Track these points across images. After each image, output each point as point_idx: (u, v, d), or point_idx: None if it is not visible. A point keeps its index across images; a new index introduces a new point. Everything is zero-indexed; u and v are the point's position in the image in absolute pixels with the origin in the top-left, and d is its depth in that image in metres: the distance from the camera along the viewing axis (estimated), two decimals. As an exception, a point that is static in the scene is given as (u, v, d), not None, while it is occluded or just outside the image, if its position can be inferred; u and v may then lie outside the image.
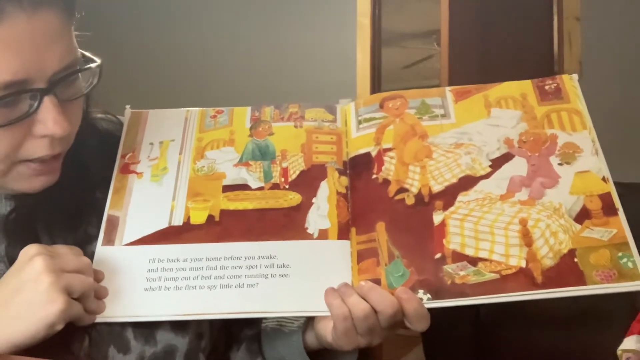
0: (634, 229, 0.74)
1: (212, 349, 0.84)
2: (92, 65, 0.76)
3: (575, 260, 0.72)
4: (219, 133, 0.88)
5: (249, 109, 0.91)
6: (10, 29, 0.67)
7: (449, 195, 0.79)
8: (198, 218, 0.81)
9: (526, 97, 0.86)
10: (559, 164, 0.80)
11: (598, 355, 0.89)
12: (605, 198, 0.76)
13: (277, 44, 3.53)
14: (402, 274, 0.75)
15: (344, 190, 0.83)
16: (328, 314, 0.74)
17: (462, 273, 0.73)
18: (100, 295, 0.75)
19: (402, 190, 0.81)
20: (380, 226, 0.78)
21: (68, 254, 0.73)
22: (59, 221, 0.79)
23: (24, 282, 0.69)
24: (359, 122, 0.88)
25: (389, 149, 0.84)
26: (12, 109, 0.70)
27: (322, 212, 0.81)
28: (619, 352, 0.85)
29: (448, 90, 0.89)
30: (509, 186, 0.79)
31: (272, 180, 0.84)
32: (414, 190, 0.80)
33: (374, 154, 0.84)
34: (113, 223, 0.80)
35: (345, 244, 0.79)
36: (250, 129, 0.89)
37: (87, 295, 0.72)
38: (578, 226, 0.75)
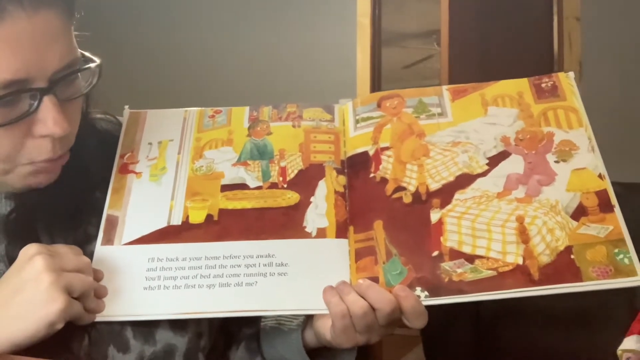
0: (633, 228, 0.74)
1: (211, 348, 0.84)
2: (92, 65, 0.76)
3: (572, 256, 0.73)
4: (217, 133, 0.89)
5: (247, 108, 0.91)
6: (11, 28, 0.67)
7: (446, 194, 0.79)
8: (197, 217, 0.81)
9: (523, 95, 0.86)
10: (556, 162, 0.80)
11: (598, 355, 0.90)
12: (602, 195, 0.76)
13: (276, 43, 3.53)
14: (400, 271, 0.75)
15: (342, 189, 0.83)
16: (326, 312, 0.74)
17: (459, 270, 0.74)
18: (99, 294, 0.75)
19: (399, 188, 0.81)
20: (378, 224, 0.79)
21: (68, 253, 0.73)
22: (59, 221, 0.79)
23: (24, 282, 0.69)
24: (357, 122, 0.88)
25: (387, 148, 0.85)
26: (12, 108, 0.70)
27: (320, 211, 0.81)
28: (619, 352, 0.85)
29: (445, 89, 0.89)
30: (506, 184, 0.79)
31: (271, 180, 0.84)
32: (412, 188, 0.81)
33: (371, 152, 0.85)
34: (112, 223, 0.81)
35: (343, 242, 0.79)
36: (249, 128, 0.89)
37: (86, 294, 0.72)
38: (575, 223, 0.75)
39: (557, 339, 1.53)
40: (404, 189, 0.81)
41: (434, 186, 0.80)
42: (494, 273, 0.73)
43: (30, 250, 0.70)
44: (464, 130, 0.85)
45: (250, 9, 3.59)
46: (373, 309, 0.73)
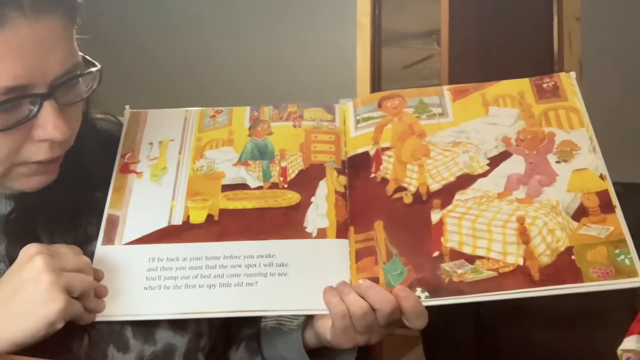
0: (633, 229, 0.74)
1: (211, 348, 0.84)
2: (93, 69, 0.76)
3: (573, 257, 0.73)
4: (218, 133, 0.89)
5: (247, 108, 0.91)
6: (13, 34, 0.67)
7: (446, 194, 0.79)
8: (197, 217, 0.81)
9: (524, 95, 0.86)
10: (557, 162, 0.80)
11: (598, 355, 0.89)
12: (603, 195, 0.76)
13: (277, 43, 3.52)
14: (400, 272, 0.75)
15: (342, 190, 0.83)
16: (327, 312, 0.74)
17: (459, 271, 0.74)
18: (100, 294, 0.75)
19: (400, 189, 0.81)
20: (379, 225, 0.79)
21: (68, 253, 0.73)
22: (59, 221, 0.79)
23: (24, 281, 0.69)
24: (357, 122, 0.88)
25: (387, 148, 0.84)
26: (12, 113, 0.70)
27: (320, 211, 0.81)
28: (619, 352, 0.85)
29: (446, 89, 0.89)
30: (507, 184, 0.79)
31: (271, 180, 0.84)
32: (412, 188, 0.81)
33: (372, 153, 0.85)
34: (113, 222, 0.81)
35: (343, 242, 0.79)
36: (249, 128, 0.89)
37: (87, 294, 0.72)
38: (575, 224, 0.75)
39: (557, 339, 1.53)
40: (404, 189, 0.81)
41: (434, 186, 0.80)
42: (494, 274, 0.73)
43: (30, 250, 0.70)
44: (464, 130, 0.85)
45: (250, 9, 3.59)
46: (373, 309, 0.73)
